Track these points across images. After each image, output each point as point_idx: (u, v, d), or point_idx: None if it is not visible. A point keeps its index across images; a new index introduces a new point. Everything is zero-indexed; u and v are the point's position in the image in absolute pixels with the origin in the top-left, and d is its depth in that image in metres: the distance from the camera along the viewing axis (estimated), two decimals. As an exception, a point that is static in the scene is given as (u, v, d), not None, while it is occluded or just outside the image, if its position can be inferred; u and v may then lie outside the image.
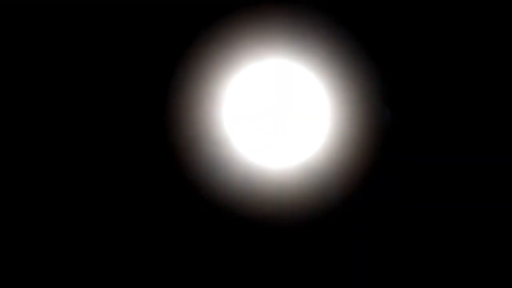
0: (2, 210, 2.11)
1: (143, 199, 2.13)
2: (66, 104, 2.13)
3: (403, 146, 2.10)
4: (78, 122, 2.13)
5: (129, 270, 2.12)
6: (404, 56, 2.11)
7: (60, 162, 2.12)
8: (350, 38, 2.08)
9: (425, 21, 2.10)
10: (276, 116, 2.09)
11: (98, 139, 2.13)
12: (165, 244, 2.13)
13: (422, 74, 2.11)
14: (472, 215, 2.09)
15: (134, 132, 2.14)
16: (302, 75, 2.09)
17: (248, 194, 2.09)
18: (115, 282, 2.12)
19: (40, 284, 2.11)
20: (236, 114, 2.10)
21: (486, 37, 2.10)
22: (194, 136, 2.10)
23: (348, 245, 2.12)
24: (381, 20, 2.10)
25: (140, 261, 2.12)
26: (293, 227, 2.11)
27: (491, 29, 2.10)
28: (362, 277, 2.11)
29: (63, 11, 2.10)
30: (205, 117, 2.10)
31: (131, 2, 2.10)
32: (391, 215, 2.10)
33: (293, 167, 2.09)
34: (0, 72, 2.12)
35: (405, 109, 2.11)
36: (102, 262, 2.12)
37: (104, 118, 2.13)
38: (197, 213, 2.13)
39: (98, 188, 2.12)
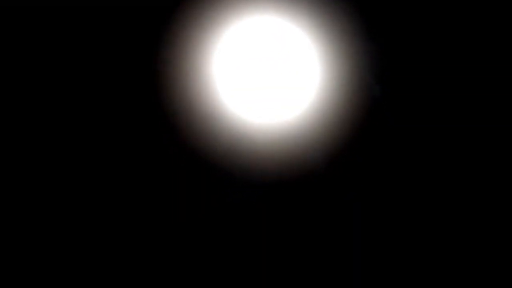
0: (2, 210, 2.11)
1: (138, 165, 2.16)
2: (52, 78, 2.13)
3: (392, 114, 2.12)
4: (65, 96, 2.13)
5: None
6: (398, 30, 2.12)
7: (57, 144, 2.14)
8: (345, 7, 2.10)
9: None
10: (265, 74, 2.11)
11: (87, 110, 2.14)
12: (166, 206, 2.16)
13: (415, 50, 2.12)
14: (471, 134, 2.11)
15: (124, 100, 2.15)
16: (293, 36, 2.10)
17: (239, 151, 2.13)
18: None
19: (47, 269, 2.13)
20: (226, 72, 2.11)
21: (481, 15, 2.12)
22: (185, 98, 2.12)
23: (343, 207, 2.15)
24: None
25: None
26: (285, 184, 2.15)
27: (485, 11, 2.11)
28: (360, 237, 2.15)
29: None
30: (195, 76, 2.12)
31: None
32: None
33: (281, 124, 2.12)
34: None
35: (395, 84, 2.12)
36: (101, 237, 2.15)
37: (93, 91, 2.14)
38: (190, 171, 2.16)
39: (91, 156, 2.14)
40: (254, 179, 2.15)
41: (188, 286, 2.15)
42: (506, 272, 2.08)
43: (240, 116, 2.11)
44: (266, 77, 2.10)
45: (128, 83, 2.15)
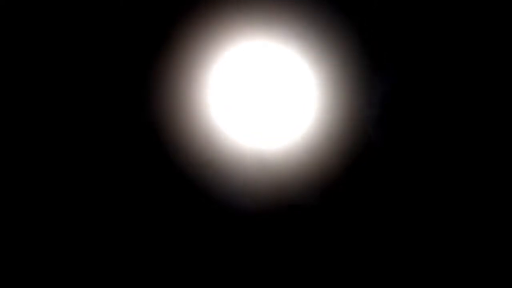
0: (3, 210, 2.11)
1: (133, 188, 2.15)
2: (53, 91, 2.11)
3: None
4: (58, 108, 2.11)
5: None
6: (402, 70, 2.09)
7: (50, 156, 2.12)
8: (345, 30, 2.06)
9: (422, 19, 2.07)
10: (262, 99, 2.09)
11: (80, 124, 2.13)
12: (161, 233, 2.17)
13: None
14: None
15: (118, 121, 2.11)
16: (293, 62, 2.08)
17: (237, 177, 2.10)
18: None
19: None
20: (222, 97, 2.09)
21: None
22: (181, 123, 2.09)
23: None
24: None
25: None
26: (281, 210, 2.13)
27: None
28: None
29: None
30: (191, 102, 2.08)
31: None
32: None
33: (275, 151, 2.10)
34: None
35: (395, 127, 2.10)
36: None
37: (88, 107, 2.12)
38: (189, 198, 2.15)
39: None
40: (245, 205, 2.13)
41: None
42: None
43: (234, 140, 2.09)
44: (263, 104, 2.08)
45: (122, 105, 2.12)
